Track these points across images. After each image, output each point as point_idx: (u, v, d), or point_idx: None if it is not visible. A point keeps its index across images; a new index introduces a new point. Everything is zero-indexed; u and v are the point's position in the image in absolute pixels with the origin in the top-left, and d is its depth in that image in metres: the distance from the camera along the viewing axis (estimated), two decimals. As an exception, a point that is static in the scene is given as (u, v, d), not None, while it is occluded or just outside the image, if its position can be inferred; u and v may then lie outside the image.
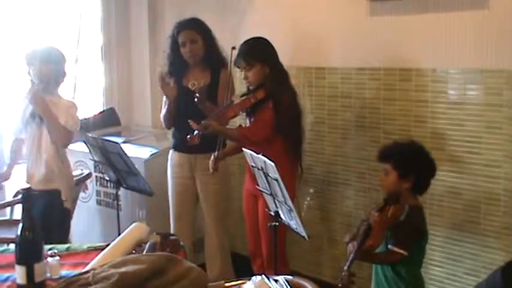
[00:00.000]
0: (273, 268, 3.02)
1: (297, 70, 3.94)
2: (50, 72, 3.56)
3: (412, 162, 2.82)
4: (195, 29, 3.67)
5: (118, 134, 4.78)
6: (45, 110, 3.49)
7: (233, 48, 3.36)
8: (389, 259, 2.77)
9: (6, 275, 2.21)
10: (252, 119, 3.41)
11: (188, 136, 3.23)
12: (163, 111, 3.79)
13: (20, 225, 2.06)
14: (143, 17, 5.03)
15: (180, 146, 3.72)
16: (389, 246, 2.73)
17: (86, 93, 5.60)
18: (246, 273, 3.22)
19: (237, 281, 2.12)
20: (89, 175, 4.25)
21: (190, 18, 3.73)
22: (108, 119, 5.05)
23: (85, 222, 4.57)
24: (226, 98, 3.31)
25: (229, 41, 3.77)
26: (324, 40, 3.91)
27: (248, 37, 3.50)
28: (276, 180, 2.66)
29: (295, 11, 3.97)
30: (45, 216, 3.31)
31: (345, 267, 2.56)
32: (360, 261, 2.77)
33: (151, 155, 4.28)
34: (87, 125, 4.69)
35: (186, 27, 3.67)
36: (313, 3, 3.91)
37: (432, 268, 3.51)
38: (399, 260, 2.73)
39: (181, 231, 3.78)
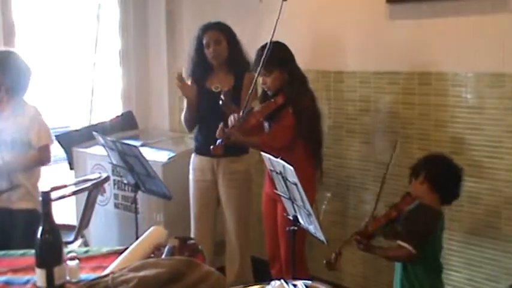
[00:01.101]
0: (292, 272, 3.01)
1: (315, 74, 3.93)
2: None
3: (446, 177, 2.87)
4: (220, 30, 3.68)
5: (136, 138, 4.80)
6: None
7: None
8: (396, 254, 2.79)
9: (26, 277, 2.22)
10: (273, 125, 3.40)
11: (212, 147, 3.23)
12: (183, 112, 3.79)
13: (40, 228, 2.06)
14: (161, 21, 5.04)
15: (202, 149, 3.72)
16: (398, 241, 2.76)
17: (104, 97, 5.64)
18: (265, 277, 3.22)
19: (255, 285, 2.10)
20: (106, 178, 4.26)
21: (216, 21, 3.74)
22: (126, 122, 5.08)
23: (103, 225, 4.58)
24: (247, 104, 3.28)
25: (247, 44, 3.78)
26: (342, 44, 3.89)
27: (266, 40, 3.48)
28: (295, 184, 2.65)
29: (314, 14, 3.97)
30: None
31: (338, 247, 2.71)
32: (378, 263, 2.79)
33: (168, 158, 4.28)
34: (104, 129, 4.72)
35: (211, 28, 3.68)
36: (332, 7, 3.90)
37: (451, 273, 3.47)
38: (407, 257, 2.74)
39: (202, 234, 3.79)
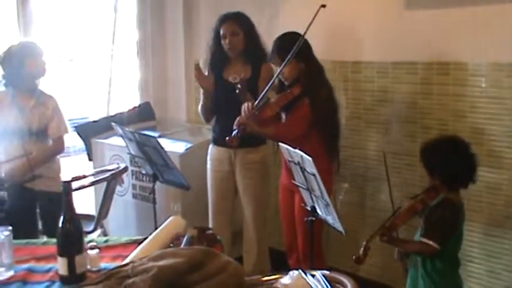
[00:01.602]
0: (309, 263, 3.02)
1: (332, 64, 3.92)
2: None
3: (433, 159, 2.84)
4: (237, 22, 3.68)
5: (153, 129, 4.82)
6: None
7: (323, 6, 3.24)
8: (419, 249, 2.78)
9: (48, 266, 2.24)
10: (288, 116, 3.40)
11: (227, 138, 3.25)
12: (200, 103, 3.80)
13: (61, 217, 2.09)
14: (178, 11, 5.05)
15: (220, 140, 3.71)
16: (421, 238, 2.75)
17: (121, 88, 5.67)
18: (282, 268, 3.24)
19: (273, 275, 2.12)
20: (125, 169, 4.28)
21: (235, 11, 3.74)
22: (144, 113, 5.10)
23: (121, 215, 4.62)
24: (264, 94, 3.28)
25: (264, 34, 3.77)
26: (360, 34, 3.88)
27: (283, 31, 3.49)
28: (313, 175, 2.65)
29: (331, 4, 3.94)
30: None
31: (366, 240, 2.68)
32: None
33: (186, 149, 4.30)
34: (122, 120, 4.75)
35: (229, 20, 3.68)
36: (350, -3, 3.89)
37: (471, 265, 3.46)
38: (430, 252, 2.73)
39: (220, 224, 3.81)
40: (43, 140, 3.63)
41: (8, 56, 3.53)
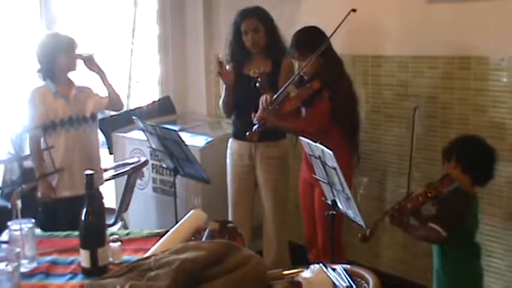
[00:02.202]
0: (329, 257, 3.03)
1: (352, 58, 3.91)
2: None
3: (474, 158, 2.83)
4: (258, 18, 3.67)
5: (173, 123, 4.85)
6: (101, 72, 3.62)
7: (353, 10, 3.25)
8: (426, 234, 2.79)
9: (71, 258, 2.27)
10: (308, 110, 3.40)
11: (247, 133, 3.27)
12: (222, 98, 3.82)
13: (84, 210, 2.11)
14: (198, 6, 5.06)
15: (240, 134, 3.71)
16: (429, 223, 2.77)
17: (141, 82, 5.70)
18: (302, 262, 3.24)
19: (294, 268, 2.13)
20: (145, 162, 4.32)
21: (254, 6, 3.73)
22: (164, 107, 5.13)
23: (141, 209, 4.65)
24: (284, 89, 3.29)
25: (284, 29, 3.77)
26: (380, 28, 3.86)
27: (303, 25, 3.48)
28: (334, 169, 2.65)
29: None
30: None
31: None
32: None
33: (206, 143, 4.31)
34: (142, 114, 4.78)
35: (249, 16, 3.68)
36: (370, -9, 3.87)
37: (492, 260, 3.44)
38: (437, 239, 2.75)
39: (240, 218, 3.82)
40: (89, 127, 3.66)
41: (42, 49, 3.55)
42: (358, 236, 2.75)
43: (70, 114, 3.55)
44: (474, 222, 2.88)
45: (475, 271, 2.90)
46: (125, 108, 5.39)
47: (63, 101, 3.55)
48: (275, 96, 3.29)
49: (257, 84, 3.41)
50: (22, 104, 3.61)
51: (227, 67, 3.75)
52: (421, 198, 2.78)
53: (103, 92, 3.72)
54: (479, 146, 2.88)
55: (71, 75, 3.63)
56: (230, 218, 3.91)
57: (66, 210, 3.41)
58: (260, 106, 3.30)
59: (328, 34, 3.36)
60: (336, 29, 3.22)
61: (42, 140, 3.53)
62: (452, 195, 2.79)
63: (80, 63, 3.61)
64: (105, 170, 4.03)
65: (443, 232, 2.70)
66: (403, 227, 2.81)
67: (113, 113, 4.42)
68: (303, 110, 3.45)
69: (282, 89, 3.30)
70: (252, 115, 3.29)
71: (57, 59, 3.52)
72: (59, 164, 3.52)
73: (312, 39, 3.34)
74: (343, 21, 3.22)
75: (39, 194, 3.55)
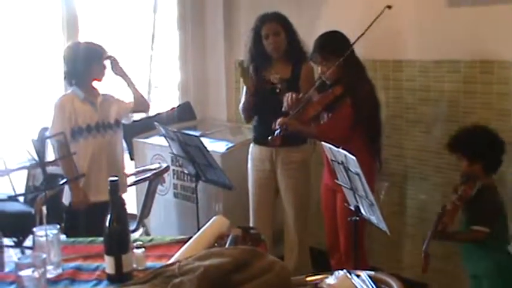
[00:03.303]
0: (352, 263, 3.01)
1: (373, 63, 3.90)
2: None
3: (478, 146, 2.97)
4: (278, 21, 3.68)
5: (194, 128, 4.86)
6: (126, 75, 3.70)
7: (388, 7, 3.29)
8: (472, 237, 2.88)
9: (95, 264, 2.28)
10: (330, 115, 3.40)
11: (269, 137, 3.27)
12: (242, 103, 3.82)
13: (108, 216, 2.12)
14: (218, 11, 5.07)
15: (261, 139, 3.73)
16: (471, 227, 2.86)
17: (161, 88, 5.73)
18: (323, 268, 3.23)
19: (318, 275, 2.12)
20: (166, 168, 4.34)
21: (273, 11, 3.74)
22: (184, 113, 5.14)
23: (162, 215, 4.67)
24: (306, 95, 3.30)
25: (305, 34, 3.77)
26: (401, 32, 3.85)
27: (324, 30, 3.48)
28: (357, 174, 2.64)
29: (371, 3, 3.92)
30: None
31: (423, 248, 2.76)
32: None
33: (227, 148, 4.32)
34: (163, 119, 4.80)
35: (270, 20, 3.69)
36: (391, -5, 3.85)
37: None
38: (482, 238, 2.83)
39: (261, 223, 3.82)
40: (115, 133, 3.70)
41: (74, 56, 3.59)
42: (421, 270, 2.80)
43: (97, 120, 3.59)
44: (506, 214, 2.97)
45: (506, 256, 2.99)
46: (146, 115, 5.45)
47: (91, 107, 3.59)
48: (300, 95, 3.29)
49: (277, 91, 3.42)
50: (49, 109, 3.64)
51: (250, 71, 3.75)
52: (457, 209, 2.87)
53: (127, 97, 3.74)
54: (479, 133, 3.03)
55: (95, 83, 3.68)
56: (251, 224, 3.91)
57: (89, 216, 3.43)
58: (285, 103, 3.30)
59: (350, 38, 3.36)
60: (369, 27, 3.26)
61: (85, 144, 3.58)
62: (483, 193, 2.88)
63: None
64: (127, 176, 4.05)
65: (486, 230, 2.79)
66: (449, 240, 2.93)
67: (137, 117, 4.44)
68: (325, 116, 3.45)
69: (305, 93, 3.30)
70: (274, 121, 3.29)
71: (92, 67, 3.59)
72: (85, 170, 3.55)
73: (334, 44, 3.34)
74: (378, 17, 3.26)
75: (67, 200, 3.58)
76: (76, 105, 3.57)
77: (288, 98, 3.30)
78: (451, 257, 3.54)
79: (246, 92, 3.75)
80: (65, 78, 3.65)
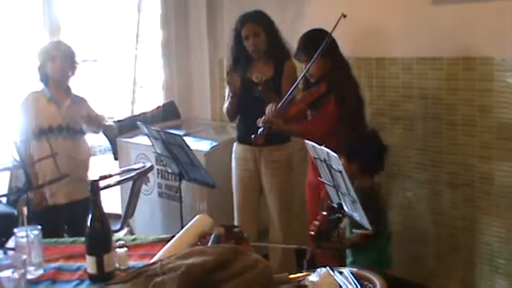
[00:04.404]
0: (337, 260, 3.01)
1: (356, 61, 3.90)
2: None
3: (353, 146, 3.07)
4: (258, 22, 3.67)
5: (178, 127, 4.85)
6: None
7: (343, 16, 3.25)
8: (360, 239, 2.90)
9: (77, 264, 2.27)
10: (314, 113, 3.39)
11: (253, 136, 3.25)
12: (226, 104, 3.81)
13: (90, 216, 2.11)
14: (201, 11, 5.07)
15: (244, 138, 3.73)
16: (355, 230, 2.90)
17: (145, 87, 5.71)
18: (308, 266, 3.23)
19: (301, 272, 2.12)
20: (150, 168, 4.30)
21: (254, 11, 3.73)
22: (168, 112, 5.13)
23: (147, 214, 4.65)
24: (290, 93, 3.29)
25: (288, 33, 3.77)
26: (384, 30, 3.86)
27: (307, 29, 3.47)
28: (340, 172, 2.64)
29: (354, 1, 3.93)
30: None
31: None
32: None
33: (211, 147, 4.31)
34: (147, 119, 4.78)
35: (249, 21, 3.67)
36: (373, -7, 3.87)
37: (499, 261, 3.43)
38: (368, 238, 2.86)
39: (245, 222, 3.81)
40: (75, 137, 3.69)
41: (37, 55, 3.61)
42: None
43: (60, 123, 3.58)
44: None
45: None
46: (129, 114, 5.43)
47: (56, 108, 3.58)
48: (281, 101, 3.27)
49: (259, 89, 3.42)
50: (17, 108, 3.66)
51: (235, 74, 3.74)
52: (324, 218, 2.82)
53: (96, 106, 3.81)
54: (362, 135, 3.18)
55: (69, 83, 3.67)
56: (236, 222, 3.90)
57: (46, 218, 3.43)
58: (266, 113, 3.29)
59: (333, 35, 3.35)
60: (332, 31, 3.20)
61: (47, 145, 3.56)
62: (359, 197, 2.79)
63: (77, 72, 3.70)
64: (110, 176, 4.02)
65: (370, 231, 2.75)
66: (333, 246, 2.86)
67: (121, 116, 4.46)
68: (309, 113, 3.44)
69: (288, 93, 3.29)
70: (258, 120, 3.28)
71: (47, 66, 3.60)
72: (46, 172, 3.56)
73: (318, 41, 3.33)
74: (335, 26, 3.19)
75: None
76: (41, 105, 3.59)
77: (268, 109, 3.28)
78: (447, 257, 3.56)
79: (229, 94, 3.75)
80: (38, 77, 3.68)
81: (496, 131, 3.34)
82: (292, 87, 3.29)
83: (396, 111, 3.86)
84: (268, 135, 3.26)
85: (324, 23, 3.45)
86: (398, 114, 3.85)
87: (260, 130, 3.24)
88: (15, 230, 2.27)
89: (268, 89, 3.47)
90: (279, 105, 3.25)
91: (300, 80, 3.33)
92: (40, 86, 3.69)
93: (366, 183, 3.04)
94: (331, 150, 2.69)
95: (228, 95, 3.76)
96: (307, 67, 3.27)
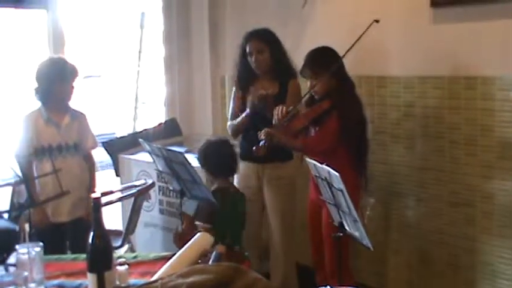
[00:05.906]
0: (337, 279, 3.00)
1: (357, 79, 3.89)
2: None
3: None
4: (262, 39, 3.68)
5: (180, 144, 4.85)
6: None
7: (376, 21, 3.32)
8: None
9: (78, 281, 2.27)
10: (317, 129, 3.40)
11: (254, 147, 3.26)
12: (235, 121, 3.80)
13: (91, 233, 2.11)
14: (204, 28, 5.09)
15: (247, 155, 3.73)
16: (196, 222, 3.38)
17: (148, 104, 5.73)
18: (309, 284, 3.22)
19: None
20: (152, 185, 4.32)
21: (261, 28, 3.74)
22: (170, 129, 5.13)
23: (148, 231, 4.64)
24: (293, 107, 3.30)
25: (290, 50, 3.79)
26: (385, 49, 3.87)
27: (309, 45, 3.49)
28: (341, 190, 2.65)
29: (356, 19, 3.94)
30: None
31: None
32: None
33: (213, 165, 4.30)
34: (149, 136, 4.79)
35: (254, 38, 3.69)
36: (375, 12, 3.84)
37: (502, 282, 3.42)
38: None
39: (247, 240, 3.80)
40: (74, 155, 3.70)
41: (38, 74, 3.58)
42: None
43: (59, 142, 3.59)
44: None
45: None
46: (131, 130, 5.44)
47: (54, 128, 3.59)
48: (289, 108, 3.28)
49: (261, 106, 3.46)
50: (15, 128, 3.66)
51: (232, 88, 3.75)
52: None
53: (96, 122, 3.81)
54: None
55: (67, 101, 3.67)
56: (237, 240, 3.89)
57: (48, 236, 3.41)
58: (275, 116, 3.29)
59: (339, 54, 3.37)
60: (357, 41, 3.28)
61: (48, 163, 3.56)
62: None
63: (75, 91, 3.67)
64: (112, 192, 4.03)
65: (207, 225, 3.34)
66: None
67: (119, 134, 4.46)
68: (312, 130, 3.45)
69: (294, 106, 3.30)
70: (258, 132, 3.29)
71: (54, 87, 3.57)
72: (48, 190, 3.56)
73: (324, 58, 3.35)
74: (366, 30, 3.28)
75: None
76: (39, 126, 3.58)
77: (278, 111, 3.30)
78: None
79: (236, 112, 3.77)
80: (35, 94, 3.64)
81: (498, 150, 3.34)
82: (298, 102, 3.30)
83: (397, 130, 3.87)
84: (270, 148, 3.27)
85: (325, 41, 3.48)
86: (400, 132, 3.86)
87: (262, 142, 3.25)
88: (16, 246, 2.27)
89: (273, 104, 3.47)
90: (288, 112, 3.27)
91: (305, 96, 3.35)
92: (37, 105, 3.67)
93: (222, 185, 3.54)
94: (333, 168, 2.70)
95: (233, 112, 3.77)
96: (314, 84, 3.28)
